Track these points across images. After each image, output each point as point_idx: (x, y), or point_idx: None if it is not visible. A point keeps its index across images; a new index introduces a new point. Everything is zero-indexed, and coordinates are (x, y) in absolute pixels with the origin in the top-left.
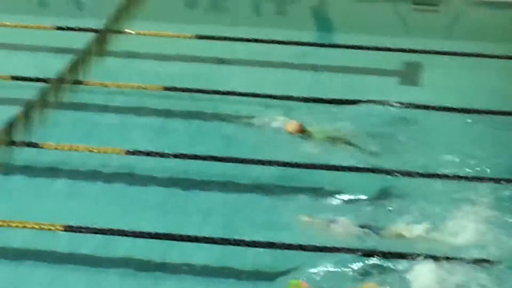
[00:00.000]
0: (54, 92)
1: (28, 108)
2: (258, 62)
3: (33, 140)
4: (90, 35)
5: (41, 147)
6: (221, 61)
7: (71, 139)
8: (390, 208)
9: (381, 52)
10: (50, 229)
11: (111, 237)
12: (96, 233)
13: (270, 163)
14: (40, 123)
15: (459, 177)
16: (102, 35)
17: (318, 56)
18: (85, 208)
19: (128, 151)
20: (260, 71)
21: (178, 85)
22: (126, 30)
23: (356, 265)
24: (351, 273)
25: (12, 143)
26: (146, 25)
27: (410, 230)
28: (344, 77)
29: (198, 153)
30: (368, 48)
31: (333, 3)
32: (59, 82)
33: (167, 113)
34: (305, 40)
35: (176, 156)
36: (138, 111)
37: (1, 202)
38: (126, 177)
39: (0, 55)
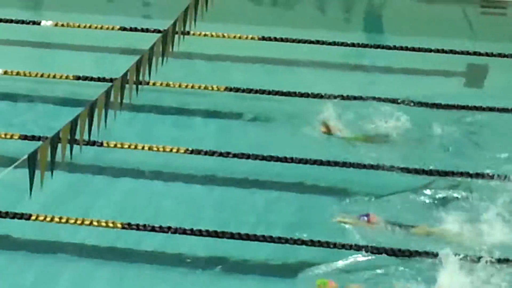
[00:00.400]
0: (118, 92)
1: (92, 107)
2: (320, 63)
3: (96, 139)
4: (155, 36)
5: (104, 146)
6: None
7: (134, 138)
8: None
9: (446, 55)
10: (109, 226)
11: (171, 235)
12: (154, 231)
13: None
14: (103, 123)
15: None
16: (167, 36)
17: (382, 58)
18: (145, 206)
19: (187, 149)
20: (319, 72)
21: (239, 86)
22: (192, 31)
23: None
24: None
25: (75, 141)
26: (211, 26)
27: (441, 229)
28: (407, 78)
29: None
30: (431, 50)
31: (402, 5)
32: (123, 82)
33: (230, 114)
34: (366, 42)
35: (235, 155)
36: (201, 111)
37: (64, 199)
38: (186, 177)
39: (64, 55)
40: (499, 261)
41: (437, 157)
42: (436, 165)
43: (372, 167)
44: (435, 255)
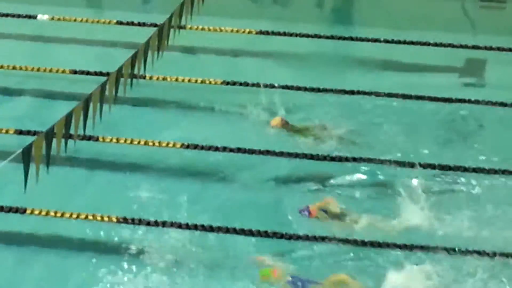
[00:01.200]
0: (113, 86)
1: (88, 102)
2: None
3: (92, 134)
4: (152, 30)
5: (101, 141)
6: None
7: (130, 133)
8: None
9: (444, 48)
10: (103, 220)
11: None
12: (149, 225)
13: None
14: (99, 117)
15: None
16: (163, 30)
17: (382, 52)
18: (145, 200)
19: (183, 144)
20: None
21: (236, 80)
22: (188, 25)
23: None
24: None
25: (70, 136)
26: (207, 20)
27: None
28: (406, 73)
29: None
30: (430, 44)
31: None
32: (118, 76)
33: (227, 107)
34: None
35: (225, 149)
36: (197, 105)
37: (62, 193)
38: (184, 172)
39: (61, 49)
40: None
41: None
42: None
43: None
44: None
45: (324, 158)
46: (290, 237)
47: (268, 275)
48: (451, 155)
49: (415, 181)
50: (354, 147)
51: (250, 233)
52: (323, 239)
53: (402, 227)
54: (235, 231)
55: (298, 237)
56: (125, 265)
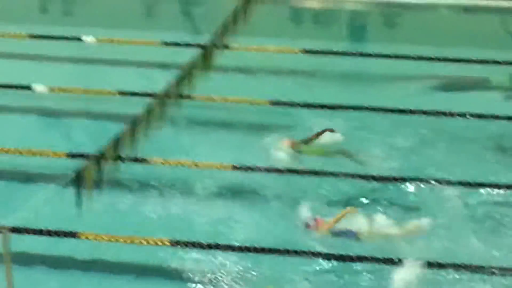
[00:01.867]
0: (160, 107)
1: (135, 123)
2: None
3: (140, 156)
4: (196, 50)
5: (149, 163)
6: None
7: (177, 154)
8: None
9: (487, 65)
10: (157, 244)
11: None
12: (202, 247)
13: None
14: (146, 138)
15: None
16: (208, 50)
17: (422, 68)
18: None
19: (234, 166)
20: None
21: (283, 99)
22: (232, 45)
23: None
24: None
25: (120, 158)
26: (251, 40)
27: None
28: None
29: None
30: (473, 61)
31: (439, 16)
32: (165, 96)
33: (272, 127)
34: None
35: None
36: (243, 124)
37: (107, 215)
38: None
39: (107, 71)
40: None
41: None
42: None
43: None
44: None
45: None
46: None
47: None
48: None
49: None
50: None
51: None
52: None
53: None
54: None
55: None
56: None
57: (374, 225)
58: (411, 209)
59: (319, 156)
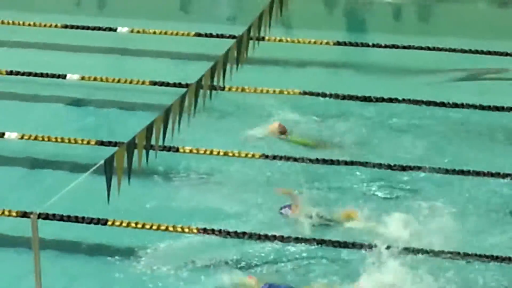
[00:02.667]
0: (193, 97)
1: (168, 113)
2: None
3: (172, 145)
4: (230, 41)
5: (180, 151)
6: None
7: (208, 144)
8: None
9: None
10: (184, 231)
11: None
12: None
13: None
14: (178, 128)
15: None
16: (242, 41)
17: (460, 63)
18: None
19: (263, 155)
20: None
21: (314, 90)
22: (266, 37)
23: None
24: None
25: (151, 147)
26: (284, 31)
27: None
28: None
29: None
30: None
31: (474, 9)
32: (198, 87)
33: (305, 116)
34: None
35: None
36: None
37: (136, 202)
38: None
39: (140, 61)
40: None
41: None
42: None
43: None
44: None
45: None
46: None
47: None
48: None
49: None
50: None
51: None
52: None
53: None
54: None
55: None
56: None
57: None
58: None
59: (303, 146)
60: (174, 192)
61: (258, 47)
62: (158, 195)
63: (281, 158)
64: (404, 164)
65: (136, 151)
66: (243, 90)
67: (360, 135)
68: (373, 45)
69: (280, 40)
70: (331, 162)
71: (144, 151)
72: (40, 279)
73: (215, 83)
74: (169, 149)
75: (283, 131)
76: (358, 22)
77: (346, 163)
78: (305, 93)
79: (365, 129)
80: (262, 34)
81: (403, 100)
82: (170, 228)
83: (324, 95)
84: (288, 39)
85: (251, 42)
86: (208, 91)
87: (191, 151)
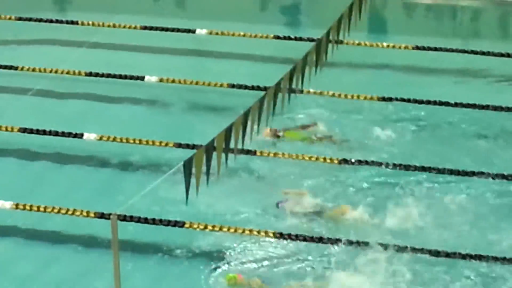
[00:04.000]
0: (271, 100)
1: (246, 116)
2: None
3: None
4: (308, 45)
5: (258, 155)
6: None
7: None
8: None
9: None
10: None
11: None
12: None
13: None
14: (257, 131)
15: None
16: (320, 45)
17: None
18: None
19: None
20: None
21: (393, 95)
22: (344, 40)
23: None
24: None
25: (230, 150)
26: (362, 35)
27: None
28: None
29: None
30: None
31: None
32: (277, 90)
33: (381, 122)
34: None
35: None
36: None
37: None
38: None
39: (218, 63)
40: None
41: None
42: None
43: None
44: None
45: None
46: None
47: (233, 280)
48: None
49: None
50: None
51: None
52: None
53: None
54: None
55: None
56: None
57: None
58: None
59: (300, 141)
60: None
61: (337, 51)
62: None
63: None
64: None
65: (215, 153)
66: (320, 93)
67: None
68: (452, 50)
69: (359, 44)
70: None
71: (223, 154)
72: (119, 280)
73: (294, 86)
74: (247, 152)
75: (275, 134)
76: (437, 26)
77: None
78: (383, 98)
79: None
80: (340, 38)
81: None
82: (247, 232)
83: (402, 100)
84: (367, 42)
85: (330, 45)
86: (287, 94)
87: (268, 154)
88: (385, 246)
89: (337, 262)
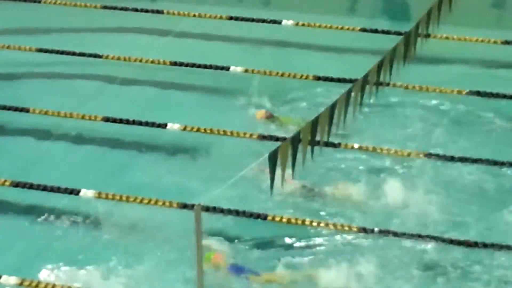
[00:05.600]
0: (358, 93)
1: (333, 108)
2: None
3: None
4: (395, 38)
5: (342, 148)
6: None
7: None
8: None
9: None
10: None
11: None
12: None
13: None
14: (344, 124)
15: None
16: (409, 38)
17: None
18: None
19: (427, 153)
20: None
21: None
22: (433, 34)
23: None
24: None
25: (316, 142)
26: (452, 29)
27: None
28: None
29: None
30: None
31: None
32: (364, 83)
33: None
34: None
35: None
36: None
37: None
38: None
39: (304, 55)
40: None
41: None
42: None
43: None
44: None
45: None
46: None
47: (208, 259)
48: None
49: None
50: None
51: None
52: None
53: None
54: None
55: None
56: None
57: None
58: None
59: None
60: None
61: (425, 44)
62: None
63: None
64: None
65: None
66: (406, 87)
67: None
68: None
69: (447, 38)
70: None
71: (309, 147)
72: (203, 272)
73: (381, 80)
74: (333, 145)
75: (269, 116)
76: None
77: None
78: (472, 93)
79: None
80: (429, 31)
81: None
82: (331, 226)
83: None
84: (455, 36)
85: (418, 39)
86: (374, 87)
87: (352, 147)
88: None
89: None
